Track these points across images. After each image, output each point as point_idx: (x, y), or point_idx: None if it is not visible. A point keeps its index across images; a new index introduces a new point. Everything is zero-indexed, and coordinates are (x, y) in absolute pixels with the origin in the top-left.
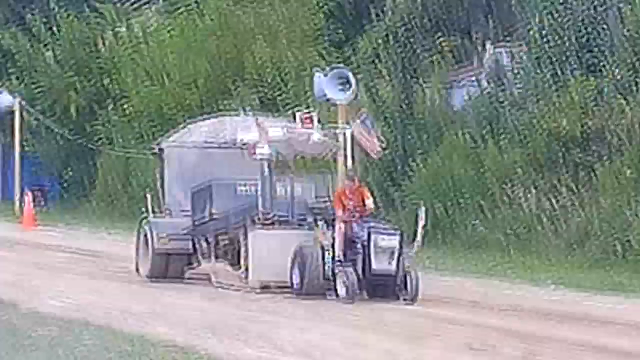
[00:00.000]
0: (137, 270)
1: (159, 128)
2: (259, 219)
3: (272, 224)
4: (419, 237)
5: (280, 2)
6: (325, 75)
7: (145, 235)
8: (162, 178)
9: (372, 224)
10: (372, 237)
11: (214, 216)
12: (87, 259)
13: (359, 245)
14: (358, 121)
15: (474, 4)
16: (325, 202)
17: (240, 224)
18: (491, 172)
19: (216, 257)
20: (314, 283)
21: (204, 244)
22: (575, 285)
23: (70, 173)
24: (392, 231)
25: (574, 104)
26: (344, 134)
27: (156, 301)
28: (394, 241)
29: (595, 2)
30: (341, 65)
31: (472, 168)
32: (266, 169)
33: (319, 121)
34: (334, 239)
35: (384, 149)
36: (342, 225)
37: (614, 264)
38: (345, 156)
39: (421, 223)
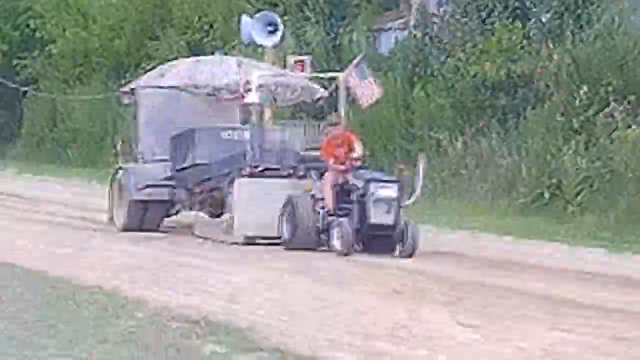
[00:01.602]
0: (111, 221)
1: (85, 72)
2: (247, 168)
3: (261, 174)
4: (418, 189)
5: None
6: (253, 19)
7: (120, 184)
8: (134, 123)
9: (369, 173)
10: (371, 187)
11: (197, 164)
12: (12, 201)
13: (354, 196)
14: (351, 67)
15: None
16: (317, 151)
17: (226, 173)
18: (419, 117)
19: (197, 207)
20: (306, 236)
21: (184, 193)
22: (501, 231)
23: None
24: (391, 180)
25: (501, 48)
26: (335, 79)
27: (82, 245)
28: (393, 191)
29: None
30: (268, 9)
31: (402, 113)
32: (255, 117)
33: (311, 66)
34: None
35: (376, 100)
36: (333, 174)
37: (540, 210)
38: (336, 102)
39: (421, 174)
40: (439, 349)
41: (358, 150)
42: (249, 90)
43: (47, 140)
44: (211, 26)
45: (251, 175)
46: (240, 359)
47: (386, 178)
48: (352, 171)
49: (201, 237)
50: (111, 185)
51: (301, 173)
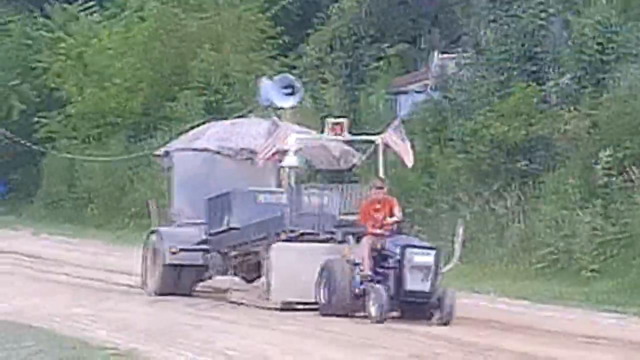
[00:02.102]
0: (143, 286)
1: (103, 133)
2: (284, 232)
3: (298, 238)
4: (456, 255)
5: (225, 6)
6: (271, 80)
7: (153, 248)
8: (168, 185)
9: (405, 239)
10: (407, 253)
11: (232, 228)
12: (30, 262)
13: (391, 262)
14: (391, 129)
15: (420, 11)
16: (354, 215)
17: (262, 237)
18: (436, 179)
19: (231, 272)
20: (343, 301)
21: (218, 257)
22: (517, 295)
23: (16, 176)
24: (428, 247)
25: (518, 110)
26: (377, 142)
27: (98, 305)
28: (430, 258)
29: (541, 11)
30: (286, 70)
31: (421, 176)
32: (293, 180)
33: (348, 129)
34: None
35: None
36: (370, 239)
37: (556, 274)
38: (377, 164)
39: (460, 239)
40: None
41: (398, 214)
42: (286, 153)
43: (65, 200)
44: (229, 87)
45: (288, 240)
46: None
47: (423, 244)
48: (389, 236)
49: (236, 303)
50: (144, 248)
51: (339, 238)
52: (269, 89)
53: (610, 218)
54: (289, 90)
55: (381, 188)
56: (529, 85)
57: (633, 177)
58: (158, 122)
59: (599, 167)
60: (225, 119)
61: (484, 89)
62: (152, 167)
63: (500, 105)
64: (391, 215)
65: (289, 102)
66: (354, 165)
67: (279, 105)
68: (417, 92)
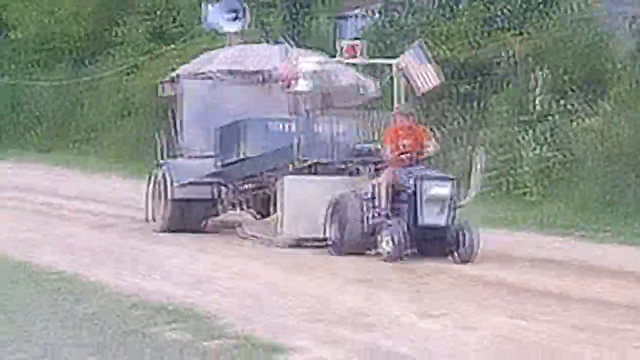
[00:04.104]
0: (149, 220)
1: (48, 57)
2: (296, 163)
3: (310, 169)
4: (474, 186)
5: None
6: (216, 5)
7: (160, 181)
8: (176, 114)
9: (420, 171)
10: (422, 185)
11: (245, 159)
12: None
13: (405, 195)
14: (411, 51)
15: None
16: (371, 145)
17: (273, 169)
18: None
19: (243, 206)
20: (354, 239)
21: (229, 191)
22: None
23: None
24: (445, 178)
25: (463, 34)
26: (400, 65)
27: (44, 229)
28: (446, 190)
29: None
30: None
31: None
32: (304, 106)
33: (361, 52)
34: (373, 187)
35: (435, 86)
36: (391, 171)
37: (500, 198)
38: (395, 91)
39: (479, 169)
40: (399, 337)
41: (433, 144)
42: (298, 77)
43: (9, 124)
44: (174, 11)
45: (300, 171)
46: (203, 345)
47: (439, 175)
48: (409, 166)
49: (247, 238)
50: (149, 182)
51: (353, 169)
52: (214, 13)
53: (552, 143)
54: (234, 15)
55: (407, 115)
56: (475, 7)
57: (575, 102)
58: (103, 48)
59: (540, 91)
60: (171, 44)
61: (429, 12)
62: (99, 90)
63: (444, 28)
64: (421, 146)
65: (233, 27)
66: (373, 99)
67: (224, 29)
68: (363, 16)
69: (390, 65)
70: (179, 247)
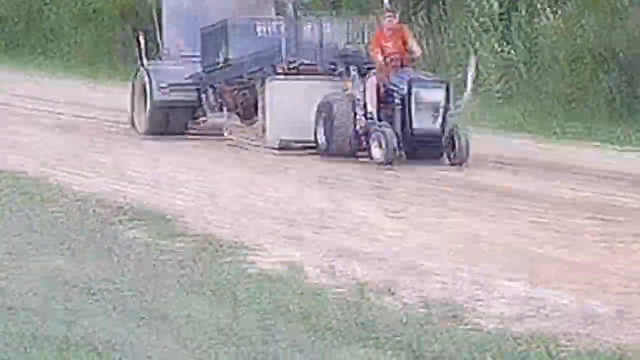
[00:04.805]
0: (132, 124)
1: None
2: (281, 67)
3: (296, 72)
4: (468, 90)
5: None
6: None
7: (142, 85)
8: (157, 15)
9: (412, 74)
10: (413, 89)
11: (229, 62)
12: None
13: (397, 100)
14: None
15: None
16: (359, 46)
17: (258, 72)
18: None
19: (227, 110)
20: (343, 142)
21: (212, 95)
22: None
23: None
24: (438, 81)
25: None
26: None
27: (6, 132)
28: (440, 94)
29: None
30: None
31: None
32: (291, 8)
33: None
34: (364, 90)
35: None
36: (379, 73)
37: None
38: None
39: (472, 73)
40: (365, 237)
41: (414, 47)
42: None
43: None
44: None
45: (285, 74)
46: (164, 244)
47: (432, 78)
48: (396, 70)
49: (232, 142)
50: (132, 86)
51: (341, 70)
52: None
53: (514, 43)
54: None
55: (392, 13)
56: None
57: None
58: None
59: None
60: None
61: None
62: None
63: None
64: (404, 46)
65: None
66: None
67: None
68: None
69: None
70: (143, 149)
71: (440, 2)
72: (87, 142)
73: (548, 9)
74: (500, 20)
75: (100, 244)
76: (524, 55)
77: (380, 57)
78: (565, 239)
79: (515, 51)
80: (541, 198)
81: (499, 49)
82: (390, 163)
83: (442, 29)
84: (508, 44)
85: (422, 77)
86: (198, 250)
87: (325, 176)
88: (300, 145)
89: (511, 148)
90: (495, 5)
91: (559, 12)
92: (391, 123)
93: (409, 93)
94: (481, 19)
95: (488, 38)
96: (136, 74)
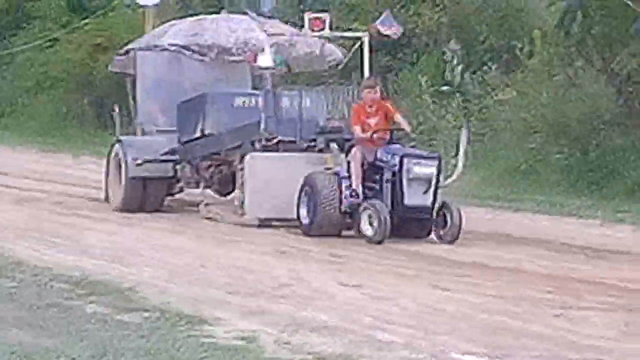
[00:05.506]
0: (107, 199)
1: None
2: (259, 141)
3: (276, 147)
4: (460, 164)
5: None
6: None
7: (117, 160)
8: (132, 89)
9: (401, 149)
10: (405, 164)
11: (206, 135)
12: None
13: (386, 175)
14: (379, 21)
15: None
16: (340, 122)
17: (237, 147)
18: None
19: (203, 185)
20: (329, 219)
21: (189, 169)
22: None
23: None
24: (430, 157)
25: (376, 7)
26: (363, 38)
27: None
28: (432, 169)
29: None
30: None
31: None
32: (269, 82)
33: (330, 25)
34: (348, 165)
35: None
36: (361, 149)
37: None
38: (362, 63)
39: (464, 144)
40: (322, 308)
41: (403, 122)
42: (262, 51)
43: None
44: None
45: (264, 149)
46: (122, 318)
47: (423, 154)
48: (382, 146)
49: (208, 218)
50: (107, 160)
51: (321, 146)
52: None
53: (469, 114)
54: None
55: (372, 87)
56: None
57: (489, 73)
58: (22, 21)
59: (455, 63)
60: (88, 17)
61: None
62: (16, 64)
63: (360, 0)
64: (387, 121)
65: (151, 0)
66: (338, 64)
67: (142, 2)
68: None
69: (358, 38)
70: (101, 221)
71: (396, 73)
72: (46, 216)
73: (500, 82)
74: (454, 92)
75: (58, 318)
76: (480, 126)
77: (362, 134)
78: (524, 311)
79: (474, 121)
80: (500, 268)
81: (454, 121)
82: (381, 242)
83: (401, 97)
84: (463, 115)
85: (413, 151)
86: (155, 323)
87: (281, 247)
88: (281, 222)
89: (469, 219)
90: (449, 78)
91: (510, 85)
92: (381, 199)
93: (401, 168)
94: (434, 91)
95: (444, 112)
96: (111, 148)
